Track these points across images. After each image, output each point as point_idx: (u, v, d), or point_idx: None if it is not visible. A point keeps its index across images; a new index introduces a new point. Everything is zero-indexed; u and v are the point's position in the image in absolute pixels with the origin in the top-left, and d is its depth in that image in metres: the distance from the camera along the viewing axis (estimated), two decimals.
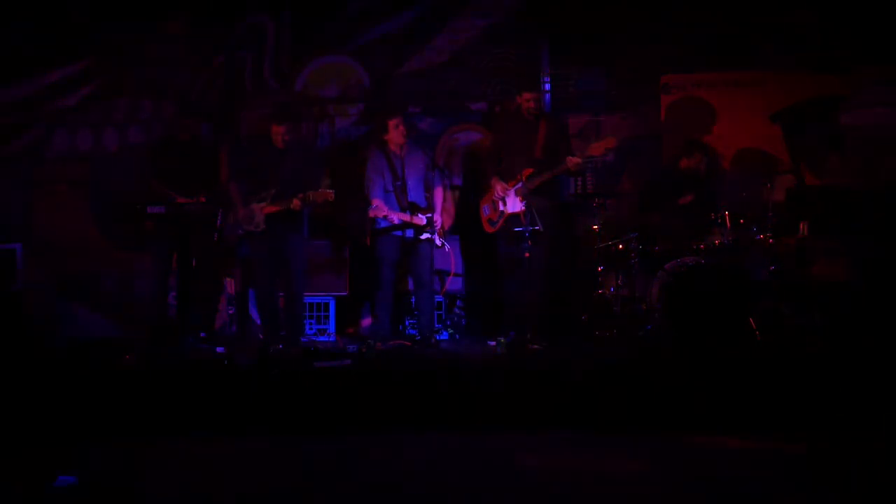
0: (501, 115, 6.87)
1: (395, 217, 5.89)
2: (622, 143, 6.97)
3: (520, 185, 5.81)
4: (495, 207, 5.99)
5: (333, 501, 3.56)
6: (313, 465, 4.08)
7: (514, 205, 5.85)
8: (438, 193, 6.02)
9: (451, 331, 6.54)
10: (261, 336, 6.10)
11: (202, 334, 6.30)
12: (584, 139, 5.84)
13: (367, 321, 6.87)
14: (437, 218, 5.91)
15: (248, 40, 7.29)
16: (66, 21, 7.17)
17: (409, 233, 5.95)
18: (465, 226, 6.57)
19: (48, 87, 7.27)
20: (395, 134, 5.93)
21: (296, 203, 5.66)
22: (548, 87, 7.02)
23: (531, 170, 5.78)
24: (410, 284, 6.27)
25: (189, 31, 7.25)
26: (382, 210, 5.82)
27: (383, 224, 5.96)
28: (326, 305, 6.61)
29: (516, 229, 5.73)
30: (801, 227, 6.21)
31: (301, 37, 7.26)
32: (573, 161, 5.58)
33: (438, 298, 6.49)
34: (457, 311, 6.66)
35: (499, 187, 5.91)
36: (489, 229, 6.08)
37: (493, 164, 6.10)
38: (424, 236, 5.85)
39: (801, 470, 3.81)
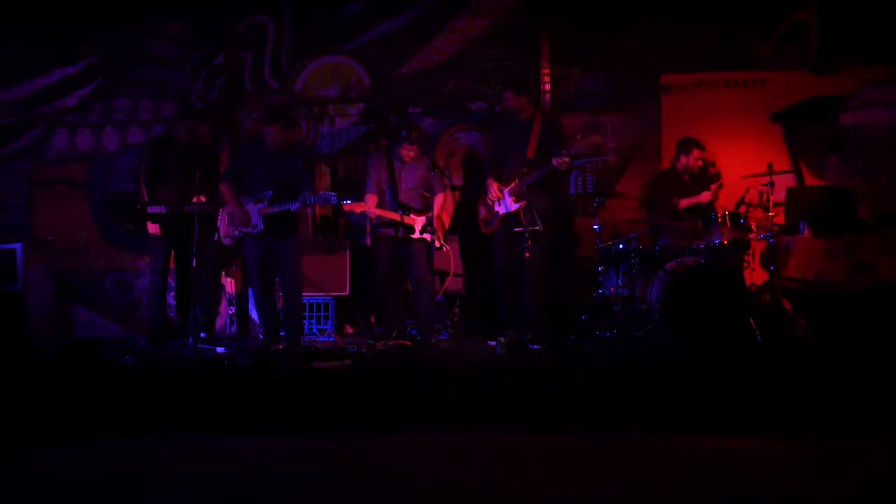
0: (497, 116, 6.87)
1: (385, 215, 5.92)
2: (621, 143, 7.00)
3: (514, 185, 5.81)
4: (490, 208, 5.99)
5: (332, 501, 3.56)
6: (313, 465, 4.07)
7: (509, 205, 5.85)
8: (438, 198, 6.03)
9: (451, 331, 6.54)
10: (261, 336, 6.10)
11: (202, 334, 6.30)
12: (583, 138, 5.81)
13: (369, 320, 6.88)
14: (432, 220, 5.91)
15: (248, 40, 7.29)
16: (66, 21, 7.18)
17: (401, 232, 5.95)
18: (465, 226, 6.56)
19: (48, 87, 7.28)
20: (405, 153, 5.97)
21: (296, 206, 5.67)
22: (548, 87, 7.03)
23: (526, 169, 5.78)
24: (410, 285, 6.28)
25: (189, 31, 7.25)
26: (367, 206, 5.87)
27: (376, 221, 6.01)
28: (326, 305, 6.61)
29: (516, 229, 5.73)
30: (801, 227, 6.21)
31: (301, 37, 7.27)
32: (558, 161, 5.58)
33: (438, 298, 6.49)
34: (457, 311, 6.66)
35: (494, 188, 5.92)
36: (485, 230, 6.09)
37: (490, 165, 6.10)
38: (424, 236, 5.85)
39: (801, 470, 3.81)
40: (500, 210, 5.92)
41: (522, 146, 5.85)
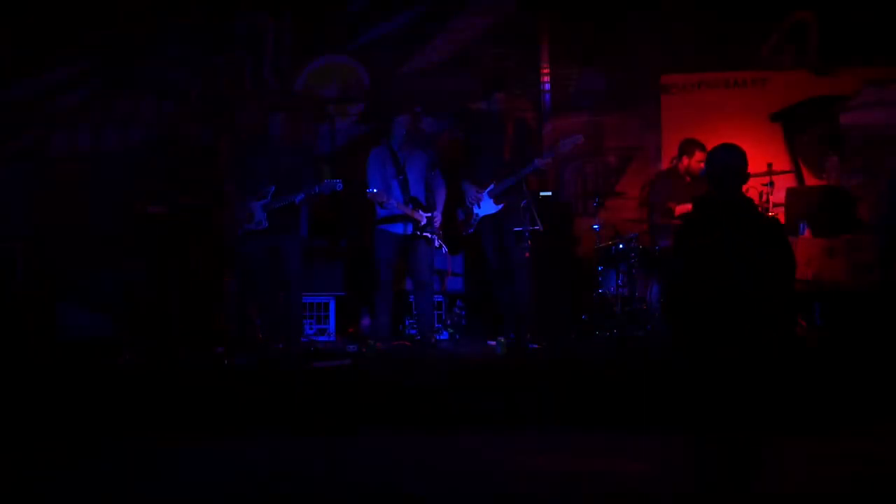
0: (469, 117, 6.81)
1: (396, 207, 5.78)
2: (621, 143, 7.01)
3: (492, 187, 5.79)
4: (469, 211, 5.96)
5: (332, 501, 3.56)
6: (313, 464, 4.08)
7: (488, 207, 5.84)
8: (441, 195, 6.00)
9: (451, 331, 6.53)
10: (261, 336, 6.08)
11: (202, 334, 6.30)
12: (566, 137, 5.78)
13: (366, 321, 6.86)
14: (438, 218, 5.89)
15: (248, 40, 7.28)
16: (67, 20, 7.17)
17: (409, 229, 5.87)
18: None
19: (48, 87, 7.26)
20: (399, 130, 5.89)
21: (301, 197, 5.62)
22: (547, 86, 7.03)
23: (504, 171, 5.76)
24: (409, 284, 6.26)
25: (189, 31, 7.24)
26: (383, 196, 5.70)
27: (382, 213, 5.86)
28: (326, 305, 6.60)
29: (516, 229, 5.71)
30: (801, 227, 6.21)
31: (301, 36, 7.27)
32: (541, 161, 5.58)
33: (438, 298, 6.48)
34: (457, 310, 6.66)
35: (472, 191, 5.89)
36: (464, 232, 6.04)
37: (464, 167, 6.06)
38: (425, 234, 5.82)
39: (802, 468, 3.81)
40: (480, 212, 5.89)
41: (498, 148, 5.82)
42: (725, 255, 3.06)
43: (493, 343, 5.58)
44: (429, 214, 5.80)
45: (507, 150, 5.81)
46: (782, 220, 6.27)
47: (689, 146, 6.25)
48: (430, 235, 5.78)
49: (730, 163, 3.22)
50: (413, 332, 6.25)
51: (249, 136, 6.94)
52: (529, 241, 5.63)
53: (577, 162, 6.97)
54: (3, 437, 4.48)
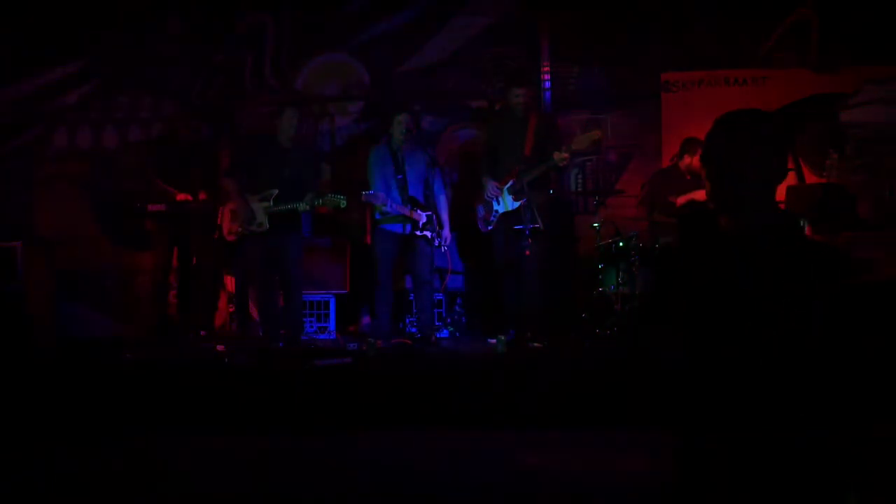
0: (493, 113, 6.82)
1: (395, 208, 5.78)
2: (621, 141, 7.00)
3: (511, 183, 5.79)
4: (489, 207, 5.96)
5: (333, 500, 3.56)
6: (313, 464, 4.07)
7: (508, 203, 5.84)
8: (444, 198, 6.00)
9: (451, 329, 6.54)
10: (261, 334, 6.08)
11: (202, 332, 6.29)
12: (582, 133, 5.79)
13: (367, 319, 6.86)
14: (444, 220, 5.90)
15: (248, 39, 7.28)
16: (67, 19, 7.17)
17: (408, 228, 5.85)
18: (465, 223, 6.55)
19: (48, 85, 7.26)
20: (398, 129, 5.89)
21: (304, 206, 5.63)
22: (548, 84, 7.02)
23: (523, 166, 5.76)
24: (409, 283, 6.26)
25: (189, 29, 7.24)
26: (380, 197, 5.71)
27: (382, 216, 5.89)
28: (327, 304, 6.61)
29: (516, 227, 5.71)
30: (801, 226, 6.21)
31: (301, 35, 7.26)
32: (559, 156, 5.58)
33: (438, 296, 6.48)
34: (457, 309, 6.66)
35: (491, 186, 5.89)
36: (484, 229, 6.05)
37: (485, 162, 6.07)
38: (425, 234, 5.82)
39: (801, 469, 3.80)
40: (500, 208, 5.90)
41: (519, 144, 5.83)
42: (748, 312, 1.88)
43: (494, 341, 5.57)
44: (428, 213, 5.80)
45: (529, 145, 5.80)
46: None
47: (691, 145, 6.23)
48: (429, 234, 5.78)
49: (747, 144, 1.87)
50: (413, 330, 6.25)
51: (255, 136, 6.92)
52: (530, 240, 5.64)
53: (577, 160, 6.96)
54: (3, 436, 4.48)
